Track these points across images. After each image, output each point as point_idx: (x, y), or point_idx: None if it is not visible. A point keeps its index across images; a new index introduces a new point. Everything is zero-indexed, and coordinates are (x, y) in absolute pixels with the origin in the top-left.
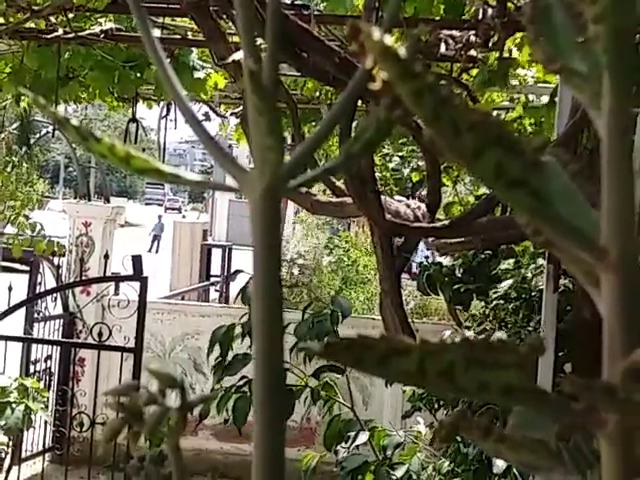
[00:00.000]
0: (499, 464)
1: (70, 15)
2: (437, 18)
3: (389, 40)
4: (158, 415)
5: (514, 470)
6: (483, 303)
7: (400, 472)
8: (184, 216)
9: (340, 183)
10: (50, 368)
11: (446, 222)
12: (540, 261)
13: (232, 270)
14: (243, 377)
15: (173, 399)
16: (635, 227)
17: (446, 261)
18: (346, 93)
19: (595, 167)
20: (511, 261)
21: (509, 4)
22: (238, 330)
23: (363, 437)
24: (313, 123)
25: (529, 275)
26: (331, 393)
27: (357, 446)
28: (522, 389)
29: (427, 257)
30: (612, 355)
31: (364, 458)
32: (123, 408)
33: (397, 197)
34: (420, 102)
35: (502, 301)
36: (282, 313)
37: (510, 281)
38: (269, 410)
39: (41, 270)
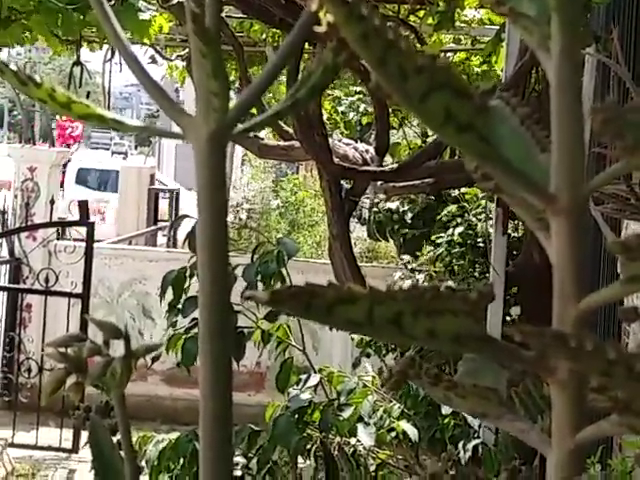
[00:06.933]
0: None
1: None
2: None
3: None
4: (101, 366)
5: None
6: (431, 248)
7: (347, 413)
8: (124, 158)
9: (288, 127)
10: None
11: (394, 166)
12: (483, 204)
13: (180, 214)
14: (194, 319)
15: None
16: (585, 171)
17: (394, 206)
18: (292, 36)
19: (544, 111)
20: (454, 207)
21: None
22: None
23: (314, 380)
24: (260, 66)
25: (474, 220)
26: (284, 336)
27: (314, 389)
28: (471, 336)
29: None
30: (562, 301)
31: (310, 398)
32: (66, 359)
33: (345, 140)
34: (366, 45)
35: (447, 246)
36: (228, 256)
37: (459, 228)
38: (214, 351)
39: None
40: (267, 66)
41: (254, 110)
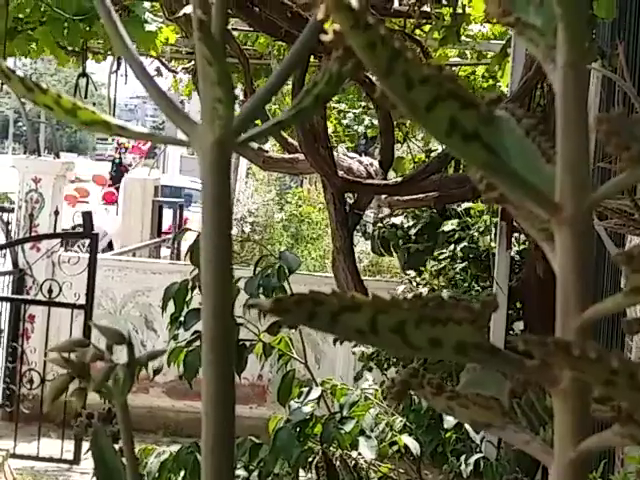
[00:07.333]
0: (449, 419)
1: None
2: None
3: None
4: (105, 372)
5: (465, 425)
6: (434, 262)
7: (349, 427)
8: (127, 170)
9: (293, 140)
10: None
11: (399, 179)
12: (486, 219)
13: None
14: (196, 332)
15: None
16: (590, 182)
17: (399, 221)
18: (298, 45)
19: (549, 122)
20: (455, 221)
21: None
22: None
23: (316, 393)
24: (265, 79)
25: (476, 235)
26: (285, 349)
27: (317, 402)
28: (475, 346)
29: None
30: (565, 311)
31: (311, 411)
32: (69, 364)
33: (350, 154)
34: (372, 54)
35: (449, 260)
36: (231, 268)
37: (462, 243)
38: (217, 363)
39: None
40: (272, 76)
41: (259, 122)
